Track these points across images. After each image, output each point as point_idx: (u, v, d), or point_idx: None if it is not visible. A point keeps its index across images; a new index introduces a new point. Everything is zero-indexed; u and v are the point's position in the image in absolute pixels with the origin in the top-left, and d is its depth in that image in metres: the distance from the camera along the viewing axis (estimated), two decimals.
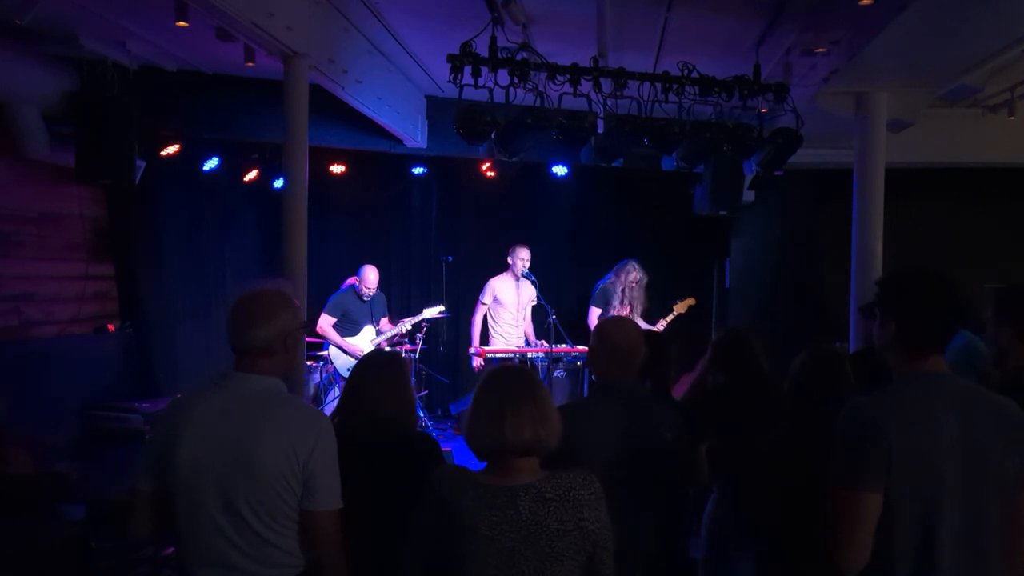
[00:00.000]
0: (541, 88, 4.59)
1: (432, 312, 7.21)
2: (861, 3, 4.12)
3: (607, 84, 4.83)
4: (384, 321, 7.28)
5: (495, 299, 7.11)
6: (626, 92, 4.83)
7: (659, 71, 4.92)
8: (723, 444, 3.22)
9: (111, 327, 6.53)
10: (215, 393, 2.16)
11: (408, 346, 7.22)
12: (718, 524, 3.32)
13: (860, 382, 2.96)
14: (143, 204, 6.56)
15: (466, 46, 4.40)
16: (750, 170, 6.44)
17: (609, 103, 4.85)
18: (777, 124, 5.32)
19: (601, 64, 4.78)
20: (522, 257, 6.99)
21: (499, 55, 4.47)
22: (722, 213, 6.43)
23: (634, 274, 7.10)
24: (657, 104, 4.90)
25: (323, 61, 4.77)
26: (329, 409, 6.41)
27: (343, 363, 6.91)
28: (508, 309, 7.10)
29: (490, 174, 7.72)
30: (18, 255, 5.73)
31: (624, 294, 7.10)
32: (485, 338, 7.15)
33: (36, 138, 5.33)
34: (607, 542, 1.98)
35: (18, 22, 4.36)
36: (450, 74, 4.39)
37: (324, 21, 4.82)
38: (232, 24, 4.04)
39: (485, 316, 7.16)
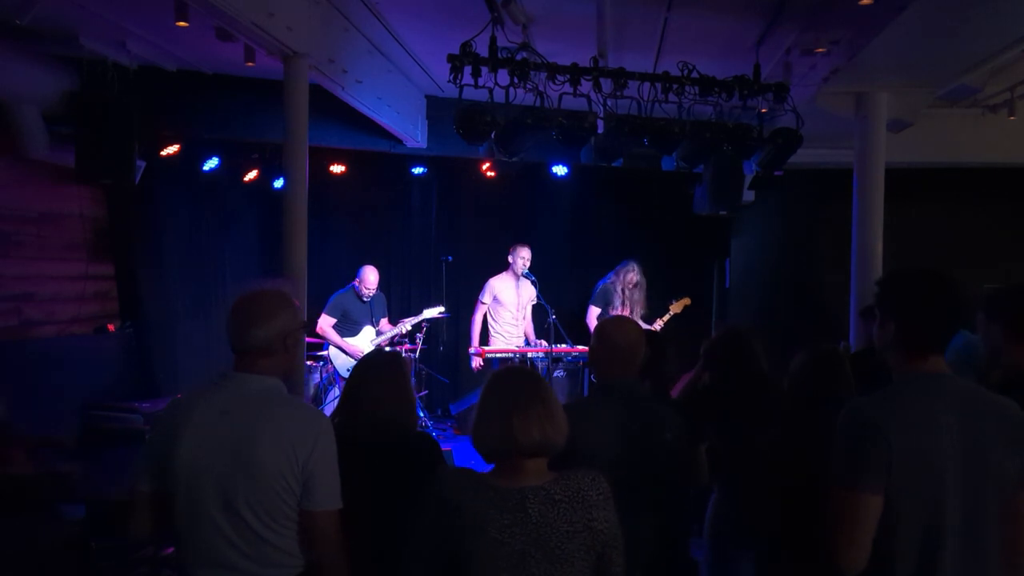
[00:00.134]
0: (541, 88, 4.59)
1: (432, 312, 7.21)
2: (861, 3, 4.12)
3: (607, 84, 4.83)
4: (384, 321, 7.28)
5: (495, 299, 7.11)
6: (626, 92, 4.83)
7: (659, 71, 4.93)
8: (723, 444, 3.22)
9: (111, 327, 6.53)
10: (215, 393, 2.16)
11: (408, 346, 7.22)
12: (718, 524, 3.32)
13: (860, 382, 2.96)
14: (143, 204, 6.56)
15: (466, 46, 4.40)
16: (750, 170, 6.44)
17: (609, 103, 4.85)
18: (777, 124, 5.32)
19: (601, 64, 4.78)
20: (523, 256, 6.99)
21: (499, 55, 4.47)
22: (722, 213, 6.42)
23: (631, 275, 7.11)
24: (657, 104, 4.90)
25: (323, 61, 4.77)
26: (329, 409, 6.41)
27: (343, 363, 6.91)
28: (508, 309, 7.11)
29: (490, 174, 7.72)
30: (18, 255, 5.73)
31: (624, 294, 7.10)
32: (485, 338, 7.15)
33: (36, 138, 5.33)
34: (616, 541, 1.98)
35: (18, 22, 4.35)
36: (450, 74, 4.39)
37: (324, 21, 4.82)
38: (232, 24, 4.04)
39: (485, 316, 7.17)
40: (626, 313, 7.00)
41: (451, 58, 4.39)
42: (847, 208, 5.66)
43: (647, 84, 4.86)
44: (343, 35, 5.10)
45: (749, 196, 7.48)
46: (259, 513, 2.06)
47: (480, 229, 8.28)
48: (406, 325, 7.15)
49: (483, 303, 7.14)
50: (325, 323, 6.90)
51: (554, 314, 6.72)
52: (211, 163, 6.88)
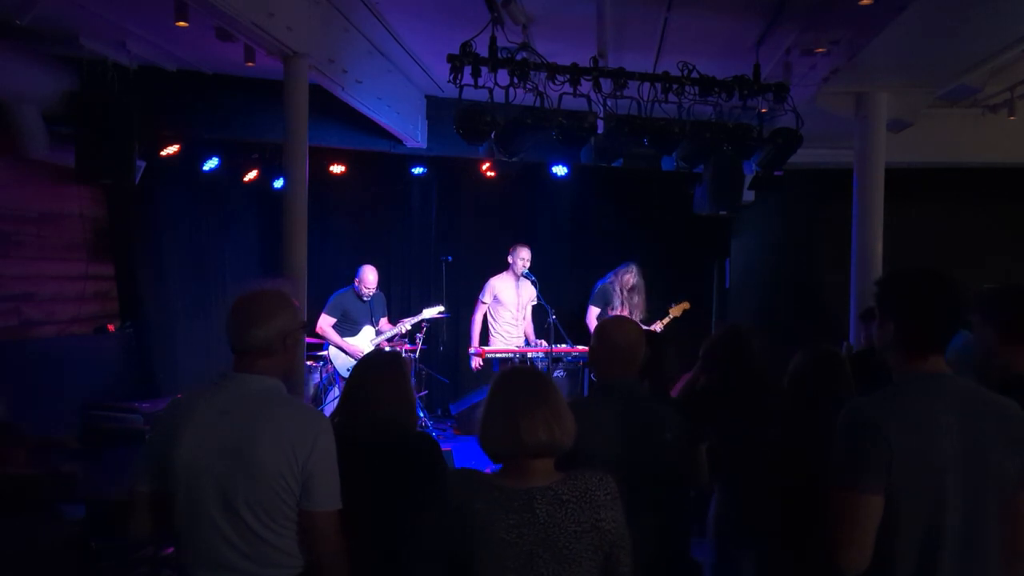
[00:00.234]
0: (541, 88, 4.58)
1: (431, 312, 7.21)
2: (861, 3, 4.12)
3: (607, 84, 4.83)
4: (383, 321, 7.28)
5: (495, 298, 7.11)
6: (626, 92, 4.83)
7: (659, 71, 4.93)
8: (723, 444, 3.22)
9: (111, 327, 6.54)
10: (215, 393, 2.16)
11: (408, 346, 7.22)
12: (719, 524, 3.32)
13: (860, 382, 2.96)
14: (143, 204, 6.56)
15: (466, 46, 4.39)
16: (750, 170, 6.43)
17: (609, 103, 4.86)
18: (777, 124, 5.32)
19: (601, 64, 4.78)
20: (523, 256, 6.99)
21: (499, 55, 4.47)
22: (722, 213, 6.42)
23: (628, 277, 7.12)
24: (657, 104, 4.90)
25: (323, 61, 4.77)
26: (329, 409, 6.41)
27: (343, 363, 6.91)
28: (508, 308, 7.11)
29: (490, 174, 7.72)
30: (18, 255, 5.73)
31: (622, 295, 7.10)
32: (485, 338, 7.15)
33: (36, 138, 5.33)
34: (624, 542, 1.98)
35: (18, 22, 4.35)
36: (450, 74, 4.39)
37: (324, 21, 4.82)
38: (232, 24, 4.04)
39: (485, 316, 7.17)
40: (625, 313, 6.99)
41: (451, 58, 4.39)
42: (847, 208, 5.66)
43: (647, 84, 4.86)
44: (343, 35, 5.10)
45: (749, 196, 7.47)
46: (259, 513, 2.06)
47: (480, 229, 8.27)
48: (406, 325, 7.15)
49: (483, 303, 7.14)
50: (325, 323, 6.90)
51: (554, 314, 6.72)
52: (211, 163, 6.88)
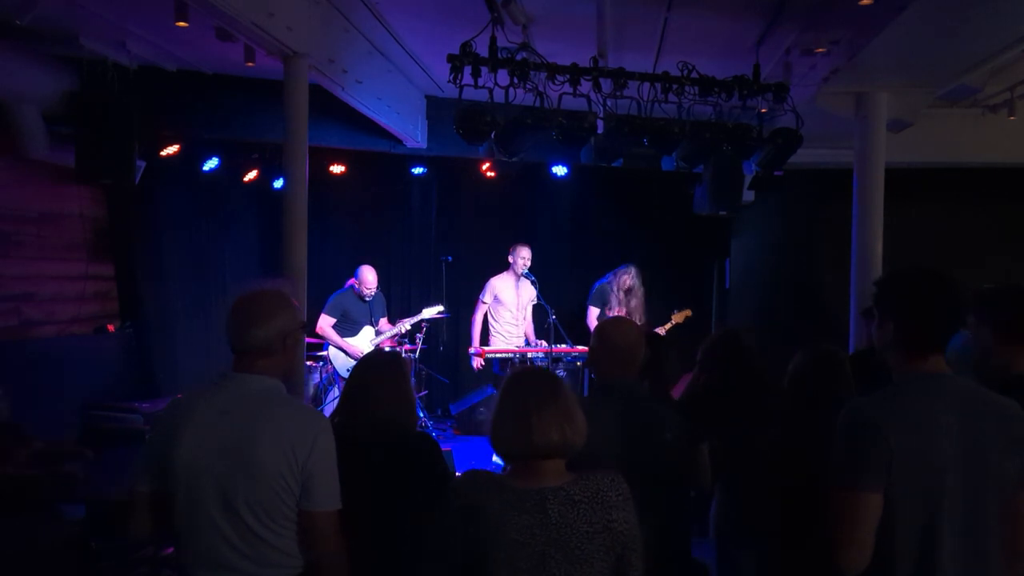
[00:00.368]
0: (541, 88, 4.58)
1: (431, 312, 7.21)
2: (861, 3, 4.12)
3: (607, 84, 4.83)
4: (383, 321, 7.28)
5: (495, 298, 7.11)
6: (626, 92, 4.83)
7: (659, 71, 4.92)
8: (723, 444, 3.22)
9: (111, 327, 6.54)
10: (215, 393, 2.16)
11: (408, 346, 7.22)
12: (719, 525, 3.32)
13: (860, 382, 2.96)
14: (143, 204, 6.56)
15: (466, 46, 4.39)
16: (750, 170, 6.43)
17: (609, 103, 4.85)
18: (777, 124, 5.32)
19: (601, 64, 4.77)
20: (523, 256, 6.99)
21: (499, 55, 4.47)
22: (722, 213, 6.42)
23: (625, 278, 7.11)
24: (657, 104, 4.90)
25: (323, 61, 4.77)
26: (329, 409, 6.41)
27: (343, 363, 6.91)
28: (508, 308, 7.11)
29: (490, 174, 7.72)
30: (18, 255, 5.73)
31: (620, 296, 7.10)
32: (485, 338, 7.15)
33: (36, 138, 5.33)
34: (635, 543, 1.98)
35: (18, 22, 4.35)
36: (450, 74, 4.39)
37: (324, 21, 4.82)
38: (232, 24, 4.04)
39: (485, 316, 7.17)
40: (623, 314, 6.99)
41: (451, 58, 4.39)
42: (847, 208, 5.66)
43: (647, 84, 4.86)
44: (343, 35, 5.10)
45: (749, 196, 7.47)
46: (258, 513, 2.06)
47: (480, 229, 8.27)
48: (405, 325, 7.14)
49: (483, 303, 7.14)
50: (325, 323, 6.90)
51: (554, 314, 6.72)
52: (211, 163, 6.89)
